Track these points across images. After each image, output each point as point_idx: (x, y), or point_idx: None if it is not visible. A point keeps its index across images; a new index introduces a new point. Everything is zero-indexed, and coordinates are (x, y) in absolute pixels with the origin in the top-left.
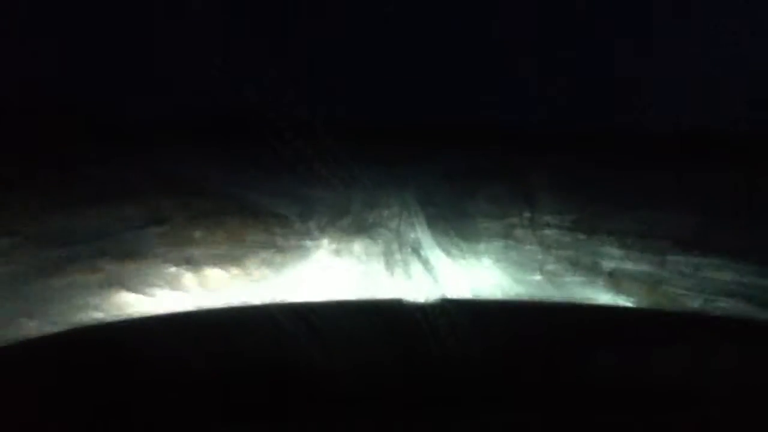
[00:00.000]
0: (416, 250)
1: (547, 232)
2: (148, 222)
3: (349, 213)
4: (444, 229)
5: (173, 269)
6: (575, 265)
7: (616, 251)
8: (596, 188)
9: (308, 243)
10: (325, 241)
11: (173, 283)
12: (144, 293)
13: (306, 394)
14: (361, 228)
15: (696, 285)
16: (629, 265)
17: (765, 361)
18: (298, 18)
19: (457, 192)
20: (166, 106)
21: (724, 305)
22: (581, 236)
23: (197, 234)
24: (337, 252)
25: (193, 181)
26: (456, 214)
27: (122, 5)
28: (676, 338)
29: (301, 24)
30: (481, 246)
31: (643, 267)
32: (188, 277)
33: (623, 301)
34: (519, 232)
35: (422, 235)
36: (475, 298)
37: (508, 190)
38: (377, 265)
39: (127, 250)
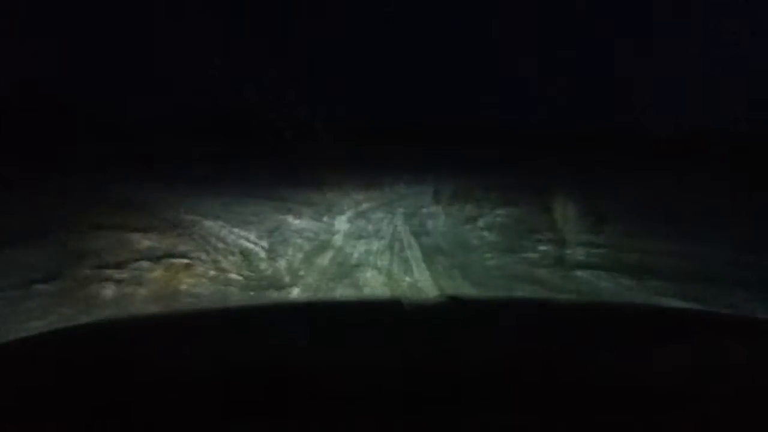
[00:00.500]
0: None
1: (581, 274)
2: (36, 276)
3: (329, 247)
4: (445, 268)
5: None
6: None
7: (681, 304)
8: (617, 208)
9: (273, 294)
10: (295, 291)
11: None
12: None
13: (306, 393)
14: (343, 268)
15: None
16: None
17: (766, 360)
18: (298, 18)
19: (456, 218)
20: (166, 106)
21: None
22: (626, 281)
23: (107, 291)
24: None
25: (124, 203)
26: (457, 247)
27: (122, 5)
28: (677, 337)
29: (301, 24)
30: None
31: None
32: None
33: None
34: (544, 275)
35: (420, 278)
36: (475, 297)
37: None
38: None
39: None
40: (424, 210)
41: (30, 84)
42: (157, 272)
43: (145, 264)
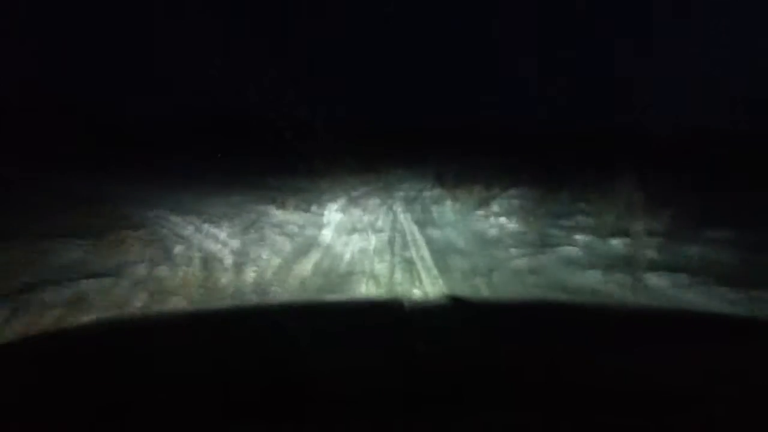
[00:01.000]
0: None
1: (659, 283)
2: None
3: (317, 245)
4: (464, 274)
5: None
6: None
7: None
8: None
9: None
10: None
11: None
12: None
13: (305, 395)
14: (330, 279)
15: None
16: None
17: (765, 361)
18: (298, 18)
19: (465, 205)
20: (166, 106)
21: None
22: (727, 294)
23: None
24: None
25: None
26: (473, 242)
27: (122, 5)
28: (680, 337)
29: (301, 24)
30: None
31: None
32: None
33: None
34: (603, 281)
35: (432, 290)
36: (476, 297)
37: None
38: None
39: None
40: (427, 194)
41: (30, 84)
42: (29, 316)
43: (39, 297)
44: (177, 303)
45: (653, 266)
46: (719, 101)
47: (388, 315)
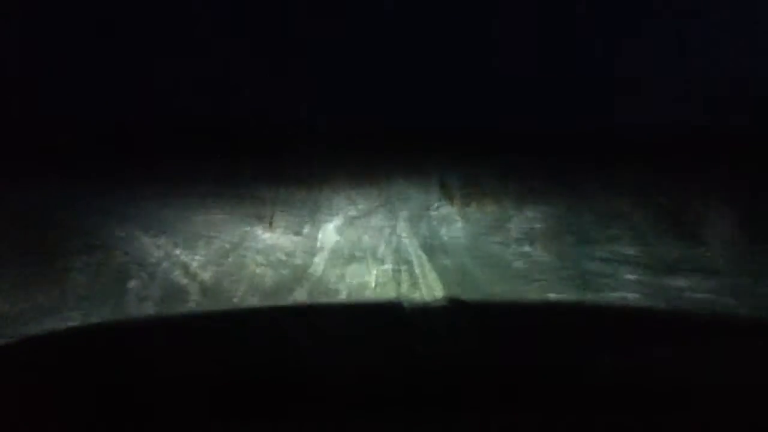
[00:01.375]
0: None
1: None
2: None
3: (306, 278)
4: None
5: None
6: None
7: None
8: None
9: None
10: None
11: None
12: None
13: (306, 395)
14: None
15: None
16: None
17: (766, 360)
18: (298, 18)
19: (478, 224)
20: (166, 106)
21: None
22: None
23: None
24: None
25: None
26: (494, 275)
27: (123, 7)
28: (678, 337)
29: (301, 24)
30: None
31: None
32: None
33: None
34: None
35: None
36: (475, 298)
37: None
38: None
39: None
40: (433, 213)
41: (30, 84)
42: None
43: None
44: None
45: (747, 318)
46: (719, 101)
47: (388, 315)
